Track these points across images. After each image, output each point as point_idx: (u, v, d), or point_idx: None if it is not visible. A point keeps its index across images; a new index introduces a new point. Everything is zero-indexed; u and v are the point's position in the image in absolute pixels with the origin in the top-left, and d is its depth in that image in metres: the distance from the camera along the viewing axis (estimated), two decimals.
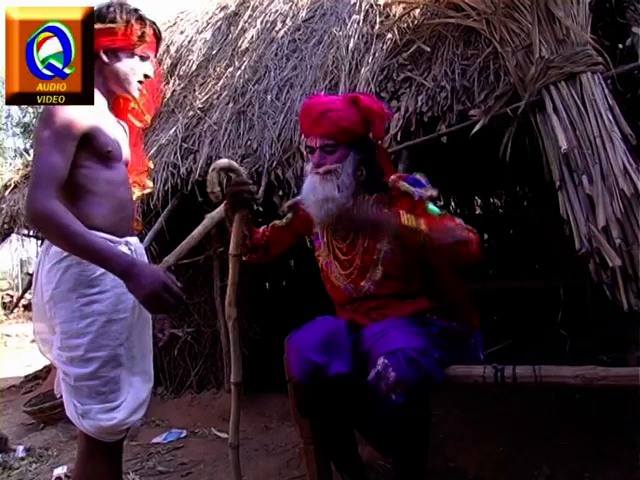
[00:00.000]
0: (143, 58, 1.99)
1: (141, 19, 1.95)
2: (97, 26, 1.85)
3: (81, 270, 1.73)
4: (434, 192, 2.14)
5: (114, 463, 1.88)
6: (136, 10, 1.95)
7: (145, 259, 2.04)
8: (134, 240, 1.97)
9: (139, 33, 1.94)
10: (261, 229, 2.47)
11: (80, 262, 1.71)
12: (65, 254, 1.71)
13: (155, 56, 2.09)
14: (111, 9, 1.89)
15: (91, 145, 1.79)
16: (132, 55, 1.95)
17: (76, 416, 1.76)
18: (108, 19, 1.88)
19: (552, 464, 2.60)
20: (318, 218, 2.21)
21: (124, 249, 1.85)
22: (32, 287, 1.88)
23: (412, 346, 1.87)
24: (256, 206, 4.90)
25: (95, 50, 1.87)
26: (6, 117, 21.56)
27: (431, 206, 2.10)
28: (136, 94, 2.02)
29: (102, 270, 1.69)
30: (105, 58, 1.90)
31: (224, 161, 2.24)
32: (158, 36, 2.05)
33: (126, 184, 2.00)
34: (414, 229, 1.89)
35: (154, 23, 2.02)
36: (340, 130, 2.16)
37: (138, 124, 2.14)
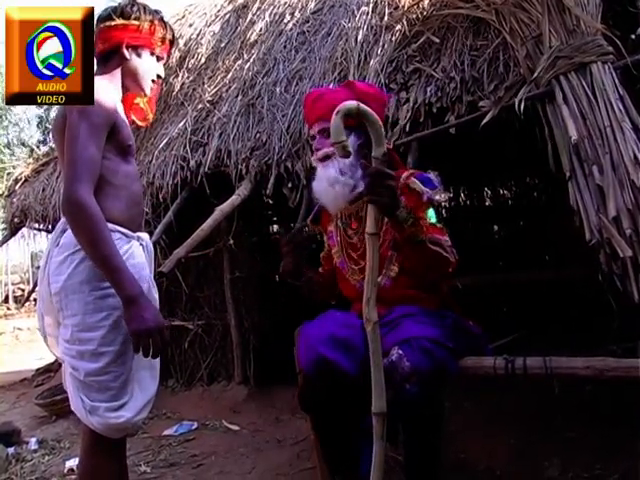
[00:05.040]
0: (159, 59, 2.05)
1: (162, 21, 2.02)
2: (120, 22, 1.90)
3: None
4: (444, 197, 2.09)
5: (118, 458, 1.88)
6: (157, 12, 2.01)
7: (152, 257, 2.05)
8: (145, 236, 1.99)
9: (160, 34, 1.99)
10: (320, 269, 2.46)
11: None
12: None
13: (167, 59, 2.14)
14: (135, 8, 1.93)
15: (115, 137, 1.82)
16: (152, 54, 2.01)
17: (84, 412, 1.74)
18: (133, 16, 1.92)
19: (563, 456, 2.60)
20: (330, 205, 2.20)
21: (136, 244, 1.87)
22: (39, 279, 1.88)
23: (426, 335, 1.85)
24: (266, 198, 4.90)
25: (115, 45, 1.91)
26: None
27: (431, 212, 2.05)
28: (149, 92, 2.05)
29: None
30: (126, 53, 1.93)
31: (352, 104, 1.67)
32: (172, 41, 2.10)
33: (139, 179, 2.02)
34: (417, 221, 1.83)
35: (172, 28, 2.09)
36: (333, 110, 2.15)
37: (140, 122, 2.15)
